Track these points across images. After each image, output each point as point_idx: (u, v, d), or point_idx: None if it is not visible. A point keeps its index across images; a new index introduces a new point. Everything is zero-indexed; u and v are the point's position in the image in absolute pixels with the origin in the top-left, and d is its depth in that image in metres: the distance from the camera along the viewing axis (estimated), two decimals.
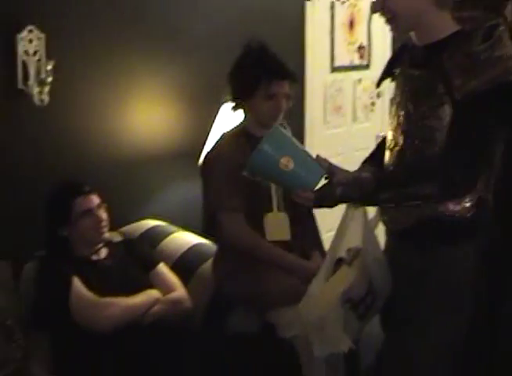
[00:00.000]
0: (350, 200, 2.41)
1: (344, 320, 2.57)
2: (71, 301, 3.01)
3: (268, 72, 3.20)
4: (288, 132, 2.39)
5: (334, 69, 5.31)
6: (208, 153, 3.32)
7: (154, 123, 4.04)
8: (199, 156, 3.94)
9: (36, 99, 3.41)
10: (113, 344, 2.96)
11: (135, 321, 3.04)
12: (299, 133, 4.95)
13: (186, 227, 3.81)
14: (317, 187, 2.32)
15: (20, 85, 3.39)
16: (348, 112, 5.55)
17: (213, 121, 3.94)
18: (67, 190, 3.22)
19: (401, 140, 2.51)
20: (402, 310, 2.61)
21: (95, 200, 3.23)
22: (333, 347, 2.65)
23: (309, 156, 2.32)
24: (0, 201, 3.40)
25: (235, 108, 3.34)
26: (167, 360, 2.92)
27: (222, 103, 3.78)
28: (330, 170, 2.34)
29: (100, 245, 3.26)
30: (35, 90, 3.40)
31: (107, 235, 3.27)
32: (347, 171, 2.41)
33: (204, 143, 3.94)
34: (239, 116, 3.37)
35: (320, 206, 2.41)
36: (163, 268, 3.33)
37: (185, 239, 3.67)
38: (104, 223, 3.23)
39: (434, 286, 2.52)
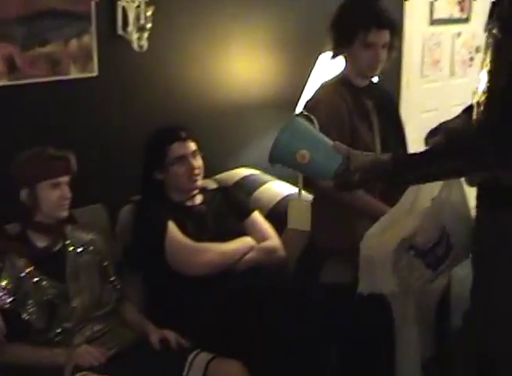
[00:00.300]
0: (370, 184, 2.37)
1: (411, 266, 2.58)
2: (166, 245, 3.05)
3: (366, 20, 3.14)
4: (313, 124, 2.35)
5: (433, 21, 5.20)
6: (308, 101, 3.28)
7: (252, 71, 4.03)
8: (296, 105, 3.92)
9: (135, 45, 3.43)
10: (205, 289, 2.99)
11: (228, 267, 3.07)
12: (395, 87, 4.88)
13: (281, 177, 3.79)
14: (336, 174, 2.27)
15: (120, 31, 3.41)
16: (446, 66, 5.44)
17: (311, 70, 3.90)
18: (164, 135, 3.23)
19: (477, 97, 2.43)
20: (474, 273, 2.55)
21: (191, 147, 3.23)
22: (375, 287, 2.67)
23: (327, 144, 2.28)
24: (97, 146, 3.46)
25: (334, 56, 3.29)
26: (258, 307, 2.92)
27: (321, 52, 3.74)
28: (348, 156, 2.28)
29: (195, 192, 3.27)
30: (134, 36, 3.41)
31: (200, 183, 3.27)
32: (365, 155, 2.33)
33: (302, 92, 3.91)
34: (338, 65, 3.32)
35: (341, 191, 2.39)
36: (257, 216, 3.34)
37: (279, 188, 3.65)
38: (197, 171, 3.23)
39: (491, 250, 2.44)
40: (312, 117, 2.35)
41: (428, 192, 2.63)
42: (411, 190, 2.69)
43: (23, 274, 2.77)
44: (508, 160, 2.22)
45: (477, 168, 2.27)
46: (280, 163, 2.35)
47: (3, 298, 2.72)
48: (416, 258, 2.58)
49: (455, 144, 2.31)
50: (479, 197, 2.46)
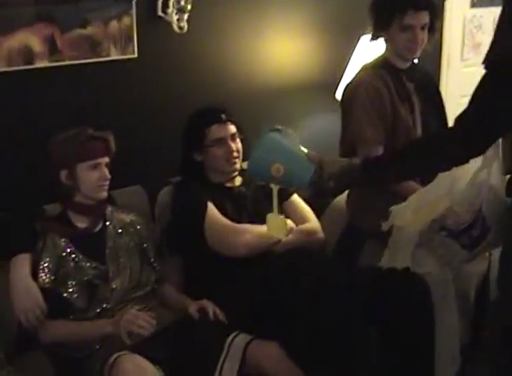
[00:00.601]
0: (345, 190, 2.39)
1: (445, 246, 2.61)
2: (206, 226, 3.06)
3: (402, 2, 3.12)
4: (285, 136, 2.41)
5: (475, 3, 5.13)
6: (349, 84, 3.27)
7: (292, 54, 4.01)
8: (336, 88, 3.90)
9: (175, 27, 3.43)
10: (244, 270, 2.99)
11: (267, 249, 3.06)
12: (435, 70, 4.84)
13: None
14: (310, 183, 2.33)
15: (160, 13, 3.41)
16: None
17: (352, 53, 3.88)
18: (204, 117, 3.22)
19: None
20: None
21: (231, 129, 3.22)
22: (393, 262, 2.77)
23: (299, 155, 2.36)
24: (136, 127, 3.47)
25: (373, 39, 3.27)
26: (297, 289, 2.90)
27: (362, 34, 3.71)
28: (320, 165, 2.31)
29: (234, 174, 3.26)
30: (174, 18, 3.41)
31: (238, 165, 3.26)
32: (337, 162, 2.38)
33: (341, 76, 3.89)
34: (379, 47, 3.30)
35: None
36: (297, 199, 3.32)
37: None
38: (236, 154, 3.21)
39: None
40: (287, 129, 2.42)
41: (467, 174, 2.62)
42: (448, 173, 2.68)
43: (63, 254, 2.79)
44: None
45: (445, 165, 2.26)
46: (258, 177, 2.49)
47: (44, 277, 2.74)
48: (448, 238, 2.60)
49: (423, 143, 2.31)
50: (508, 184, 2.45)
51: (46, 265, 2.75)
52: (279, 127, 2.48)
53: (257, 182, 2.48)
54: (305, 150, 2.40)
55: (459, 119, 2.21)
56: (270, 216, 2.59)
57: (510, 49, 2.04)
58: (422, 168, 2.32)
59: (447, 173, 2.66)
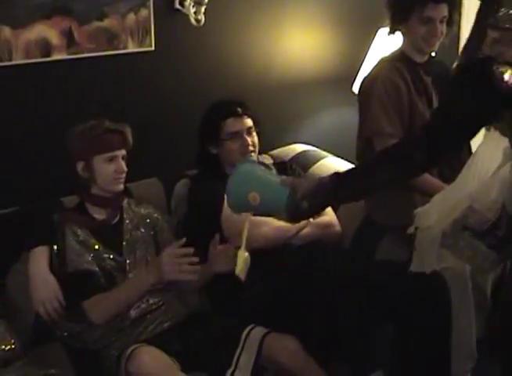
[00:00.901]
0: (320, 209, 2.39)
1: (472, 247, 2.58)
2: (222, 219, 3.05)
3: None
4: (257, 165, 2.53)
5: None
6: (366, 77, 3.26)
7: (308, 47, 3.98)
8: (353, 82, 3.88)
9: (192, 20, 3.42)
10: (262, 262, 2.97)
11: (284, 242, 3.05)
12: (452, 64, 4.80)
13: (336, 154, 3.77)
14: (286, 207, 2.32)
15: (177, 5, 3.40)
16: None
17: (368, 47, 3.86)
18: (220, 110, 3.22)
19: None
20: None
21: (247, 123, 3.21)
22: (421, 266, 2.76)
23: (273, 181, 2.37)
24: (153, 120, 3.48)
25: (391, 32, 3.26)
26: (314, 283, 2.90)
27: (380, 27, 3.69)
28: (293, 187, 2.30)
29: None
30: (192, 10, 3.40)
31: (254, 159, 3.24)
32: (309, 181, 2.37)
33: (358, 69, 3.87)
34: (397, 40, 3.28)
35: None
36: None
37: (335, 164, 3.61)
38: (251, 148, 3.20)
39: None
40: (260, 158, 2.43)
41: (488, 172, 2.60)
42: (471, 171, 2.67)
43: (83, 243, 2.79)
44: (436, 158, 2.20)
45: (409, 170, 2.26)
46: (237, 208, 2.47)
47: (70, 264, 2.74)
48: (473, 238, 2.56)
49: (388, 151, 2.31)
50: None
51: (69, 253, 2.74)
52: (252, 157, 2.64)
53: (237, 212, 2.48)
54: (278, 176, 2.43)
55: (426, 123, 2.20)
56: (238, 253, 2.60)
57: (474, 55, 2.05)
58: (386, 177, 2.29)
59: (469, 172, 2.65)
